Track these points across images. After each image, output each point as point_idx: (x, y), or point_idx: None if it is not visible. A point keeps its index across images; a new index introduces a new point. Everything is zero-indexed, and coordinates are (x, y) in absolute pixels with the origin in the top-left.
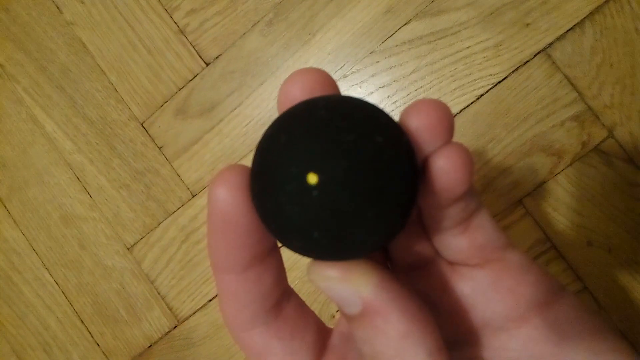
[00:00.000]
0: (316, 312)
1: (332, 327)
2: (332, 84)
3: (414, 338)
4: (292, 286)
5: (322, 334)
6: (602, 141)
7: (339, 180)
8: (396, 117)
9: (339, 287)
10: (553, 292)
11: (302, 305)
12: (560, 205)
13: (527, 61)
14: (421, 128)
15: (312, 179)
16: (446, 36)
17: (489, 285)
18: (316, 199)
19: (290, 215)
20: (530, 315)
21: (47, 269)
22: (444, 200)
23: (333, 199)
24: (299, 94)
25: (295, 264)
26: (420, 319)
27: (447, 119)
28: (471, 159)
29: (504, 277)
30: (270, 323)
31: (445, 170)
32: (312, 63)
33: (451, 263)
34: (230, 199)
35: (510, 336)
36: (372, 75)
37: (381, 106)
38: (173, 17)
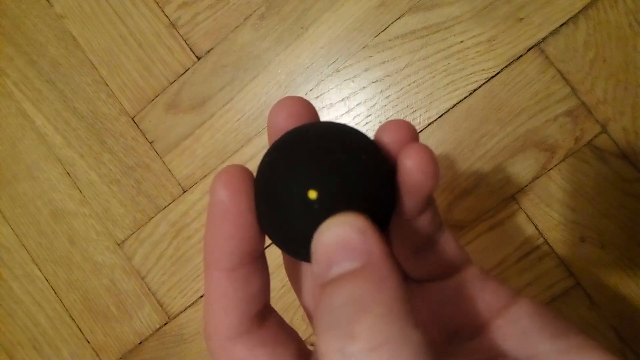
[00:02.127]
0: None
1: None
2: (313, 111)
3: (406, 306)
4: (283, 283)
5: (303, 350)
6: (595, 136)
7: (335, 193)
8: (390, 112)
9: (354, 236)
10: (511, 296)
11: (282, 322)
12: (553, 201)
13: (521, 56)
14: (394, 142)
15: (313, 194)
16: (439, 31)
17: (453, 296)
18: (318, 211)
19: (297, 228)
20: (494, 318)
21: (36, 264)
22: (415, 201)
23: (332, 209)
24: (283, 123)
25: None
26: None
27: (413, 134)
28: (433, 155)
29: (466, 288)
30: (254, 331)
31: (413, 167)
32: (305, 57)
33: (417, 281)
34: (231, 194)
35: (479, 340)
36: (365, 70)
37: (361, 127)
38: (164, 10)
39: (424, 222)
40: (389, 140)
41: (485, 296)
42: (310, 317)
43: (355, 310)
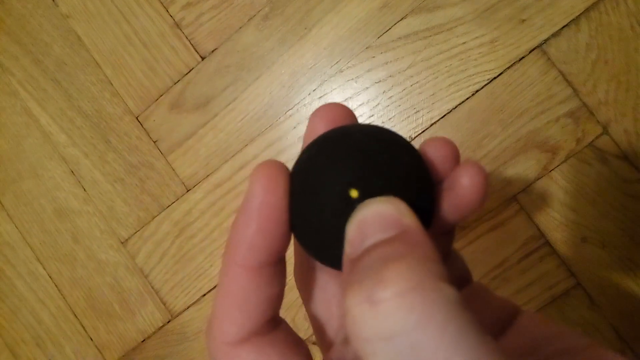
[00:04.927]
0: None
1: None
2: (354, 118)
3: (440, 265)
4: (288, 279)
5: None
6: (596, 138)
7: (376, 193)
8: (393, 112)
9: (390, 211)
10: (514, 309)
11: (291, 330)
12: (555, 202)
13: (523, 57)
14: (439, 157)
15: (354, 193)
16: (442, 32)
17: None
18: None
19: (335, 227)
20: (502, 330)
21: (40, 262)
22: (456, 217)
23: None
24: (323, 129)
25: (291, 258)
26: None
27: (457, 153)
28: (487, 176)
29: (473, 302)
30: (265, 334)
31: (469, 185)
32: (308, 58)
33: None
34: (268, 189)
35: None
36: (368, 71)
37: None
38: (169, 10)
39: (448, 234)
40: (434, 155)
41: (492, 310)
42: (317, 328)
43: (386, 263)
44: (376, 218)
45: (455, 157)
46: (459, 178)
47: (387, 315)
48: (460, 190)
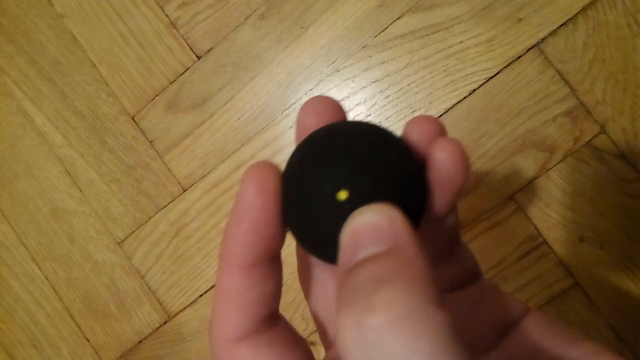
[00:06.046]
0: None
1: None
2: (342, 111)
3: (432, 286)
4: (284, 280)
5: (310, 358)
6: (594, 137)
7: (365, 194)
8: (390, 112)
9: (383, 221)
10: (522, 308)
11: (291, 328)
12: (552, 201)
13: (520, 56)
14: (423, 138)
15: (343, 195)
16: (439, 31)
17: (469, 308)
18: (347, 211)
19: (325, 228)
20: (508, 330)
21: (36, 263)
22: (446, 197)
23: None
24: (312, 122)
25: (287, 259)
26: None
27: (442, 129)
28: (464, 148)
29: (481, 300)
30: (262, 333)
31: (445, 160)
32: (305, 57)
33: None
34: (258, 190)
35: (494, 352)
36: (365, 70)
37: (387, 126)
38: (164, 9)
39: (448, 224)
40: (418, 136)
41: (499, 309)
42: (319, 325)
43: (377, 284)
44: (369, 228)
45: (440, 134)
46: (434, 155)
47: (375, 343)
48: (438, 167)
